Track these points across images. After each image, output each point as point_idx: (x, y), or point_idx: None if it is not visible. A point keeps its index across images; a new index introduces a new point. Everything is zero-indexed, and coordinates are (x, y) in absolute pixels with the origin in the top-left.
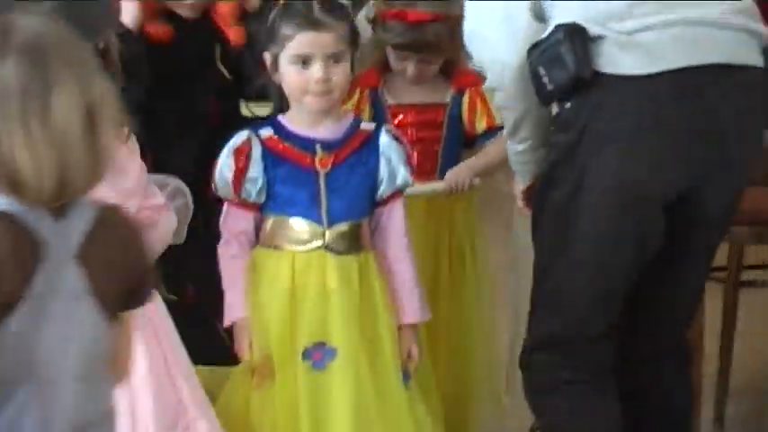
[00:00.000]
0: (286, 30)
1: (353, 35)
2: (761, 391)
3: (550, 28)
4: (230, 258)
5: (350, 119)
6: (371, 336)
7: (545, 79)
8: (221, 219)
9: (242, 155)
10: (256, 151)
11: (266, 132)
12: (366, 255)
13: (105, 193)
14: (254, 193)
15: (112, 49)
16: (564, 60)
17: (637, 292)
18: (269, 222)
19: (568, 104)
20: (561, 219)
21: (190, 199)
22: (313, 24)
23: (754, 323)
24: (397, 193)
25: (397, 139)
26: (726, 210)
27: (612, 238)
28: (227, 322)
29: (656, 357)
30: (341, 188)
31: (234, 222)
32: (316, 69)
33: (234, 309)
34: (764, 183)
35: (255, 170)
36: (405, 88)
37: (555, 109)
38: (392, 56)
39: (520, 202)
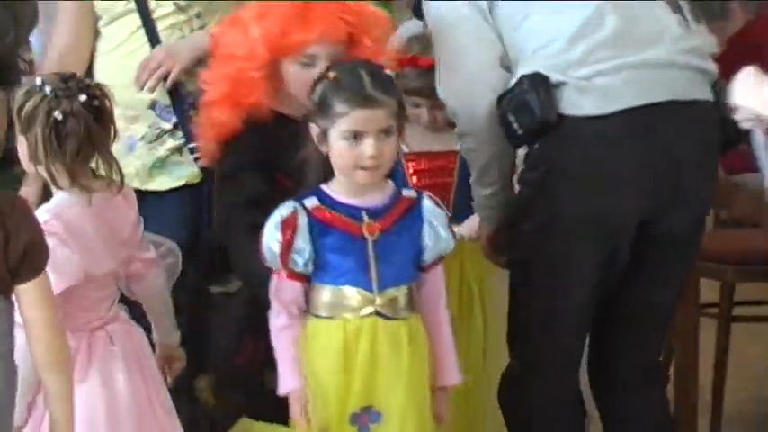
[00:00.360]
0: (338, 106)
1: (401, 108)
2: (752, 419)
3: (516, 78)
4: (281, 329)
5: (391, 187)
6: (417, 399)
7: (515, 125)
8: (271, 289)
9: (288, 227)
10: (302, 221)
11: (311, 202)
12: (415, 319)
13: (96, 238)
14: (301, 263)
15: (108, 109)
16: (531, 107)
17: (608, 315)
18: (319, 292)
19: (536, 145)
20: (535, 247)
21: (180, 260)
22: (366, 101)
23: (746, 356)
24: (440, 258)
25: (438, 205)
26: (689, 233)
27: (583, 261)
28: (281, 392)
29: (626, 380)
30: (389, 255)
31: (283, 293)
32: (368, 146)
33: (287, 379)
34: (752, 224)
35: (302, 240)
36: (418, 136)
37: (521, 151)
38: (406, 102)
39: (485, 249)
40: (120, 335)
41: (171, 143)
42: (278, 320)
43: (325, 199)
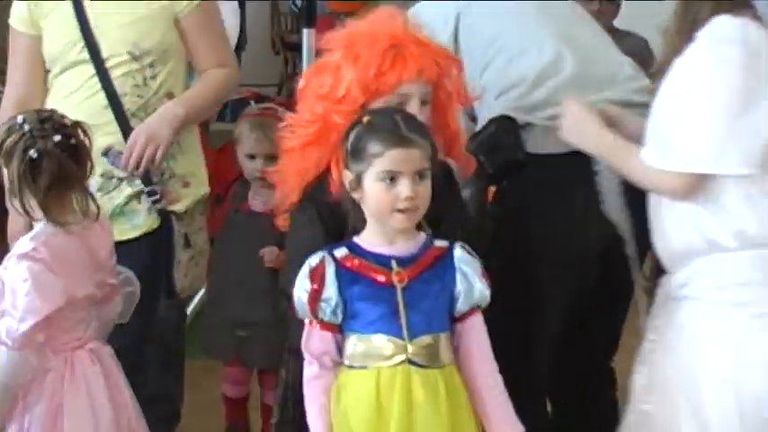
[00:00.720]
0: (374, 147)
1: (435, 152)
2: None
3: (484, 121)
4: (311, 380)
5: (423, 237)
6: None
7: (485, 165)
8: (303, 340)
9: (316, 275)
10: (330, 270)
11: (341, 252)
12: (450, 368)
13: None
14: (328, 312)
15: (85, 146)
16: (500, 148)
17: (576, 331)
18: (351, 342)
19: (505, 182)
20: (506, 280)
21: (137, 289)
22: (403, 141)
23: None
24: (476, 308)
25: (470, 254)
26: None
27: (554, 289)
28: None
29: (587, 379)
30: (417, 302)
31: (314, 343)
32: (404, 186)
33: (315, 430)
34: None
35: (330, 289)
36: None
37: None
38: None
39: None
40: (98, 353)
41: (129, 190)
42: (309, 370)
43: (355, 248)
